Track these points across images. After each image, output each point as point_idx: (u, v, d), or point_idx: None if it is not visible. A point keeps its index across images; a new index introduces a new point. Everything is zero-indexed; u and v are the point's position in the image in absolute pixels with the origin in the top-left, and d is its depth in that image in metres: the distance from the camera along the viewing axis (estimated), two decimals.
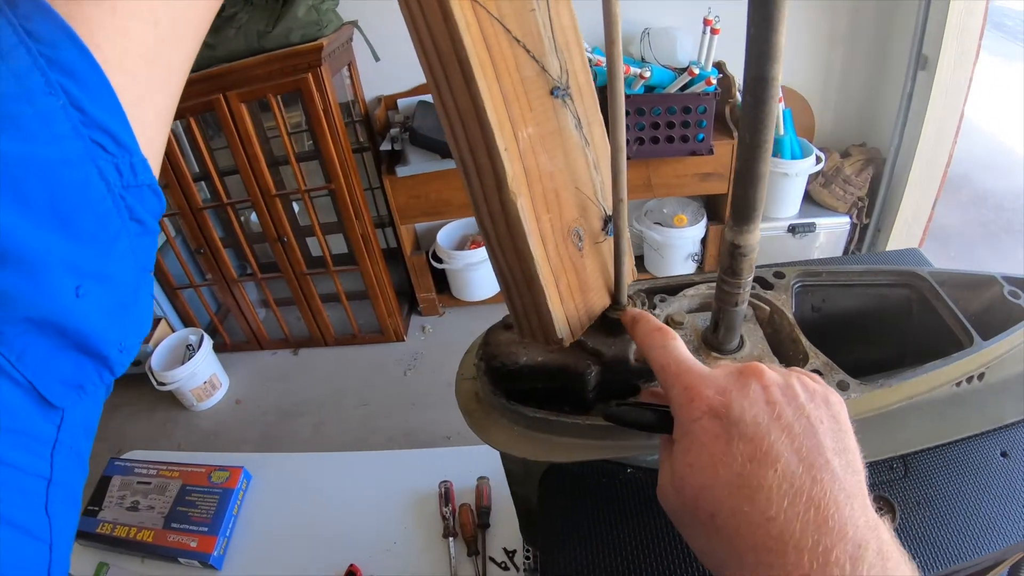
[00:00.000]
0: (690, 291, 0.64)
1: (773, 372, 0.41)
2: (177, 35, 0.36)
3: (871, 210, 2.65)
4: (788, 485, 0.35)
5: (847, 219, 2.63)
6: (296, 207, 2.84)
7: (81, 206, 0.31)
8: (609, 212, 0.50)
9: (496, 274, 0.48)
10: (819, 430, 0.37)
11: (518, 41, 0.40)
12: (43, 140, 0.30)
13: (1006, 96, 4.51)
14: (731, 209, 0.45)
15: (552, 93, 0.44)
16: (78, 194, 0.31)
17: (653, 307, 0.62)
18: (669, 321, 0.58)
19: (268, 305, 3.02)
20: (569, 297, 0.48)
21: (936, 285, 0.67)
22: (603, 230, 0.50)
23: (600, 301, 0.52)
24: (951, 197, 3.29)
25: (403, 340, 2.99)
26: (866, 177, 2.59)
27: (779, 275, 0.67)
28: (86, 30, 0.32)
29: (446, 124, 0.41)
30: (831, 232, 2.65)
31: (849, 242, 2.72)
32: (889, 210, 2.62)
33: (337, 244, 2.86)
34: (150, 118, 0.36)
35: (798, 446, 0.36)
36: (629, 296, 0.53)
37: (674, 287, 0.64)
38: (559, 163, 0.45)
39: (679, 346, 0.44)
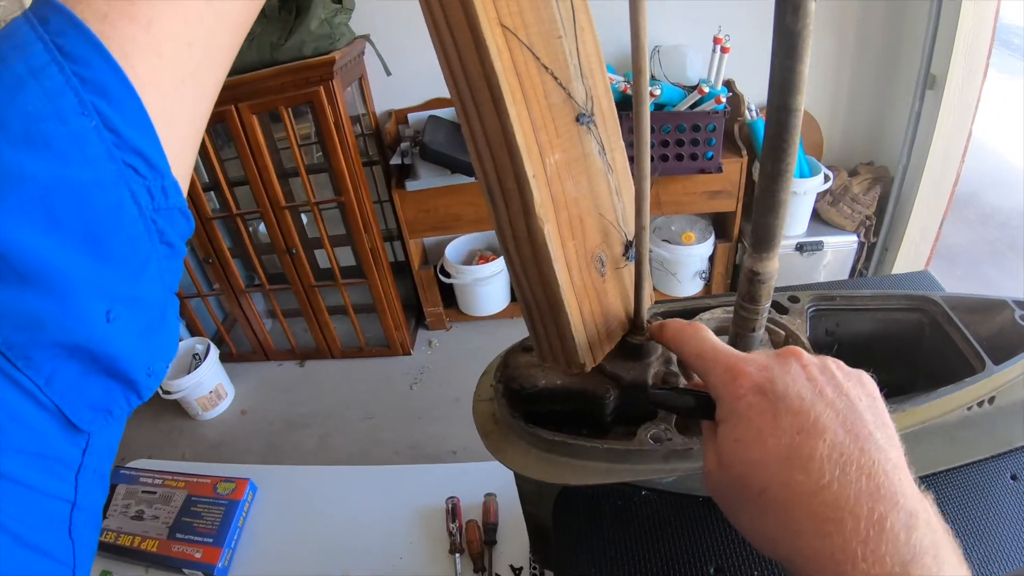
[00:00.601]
0: (705, 315, 0.64)
1: (809, 355, 0.41)
2: (209, 57, 0.36)
3: (879, 229, 2.65)
4: (838, 455, 0.35)
5: (855, 238, 2.63)
6: (305, 219, 2.85)
7: (113, 229, 0.31)
8: (630, 238, 0.51)
9: (519, 298, 0.48)
10: (859, 406, 0.38)
11: (546, 68, 0.41)
12: (76, 162, 0.29)
13: (1012, 113, 4.51)
14: (751, 236, 0.46)
15: (577, 120, 0.44)
16: (110, 217, 0.31)
17: None
18: None
19: (275, 316, 3.03)
20: (591, 322, 0.48)
21: (948, 310, 0.67)
22: (624, 255, 0.51)
23: (619, 326, 0.52)
24: (958, 215, 3.29)
25: (410, 354, 2.99)
26: (874, 196, 2.59)
27: (794, 299, 0.68)
28: (120, 49, 0.31)
29: (473, 149, 0.41)
30: (838, 251, 2.65)
31: (856, 261, 2.72)
32: (897, 229, 2.62)
33: (345, 257, 2.86)
34: (180, 140, 0.36)
35: (842, 419, 0.36)
36: (647, 320, 0.53)
37: (690, 311, 0.64)
38: (584, 189, 0.45)
39: (711, 334, 0.45)
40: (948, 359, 0.65)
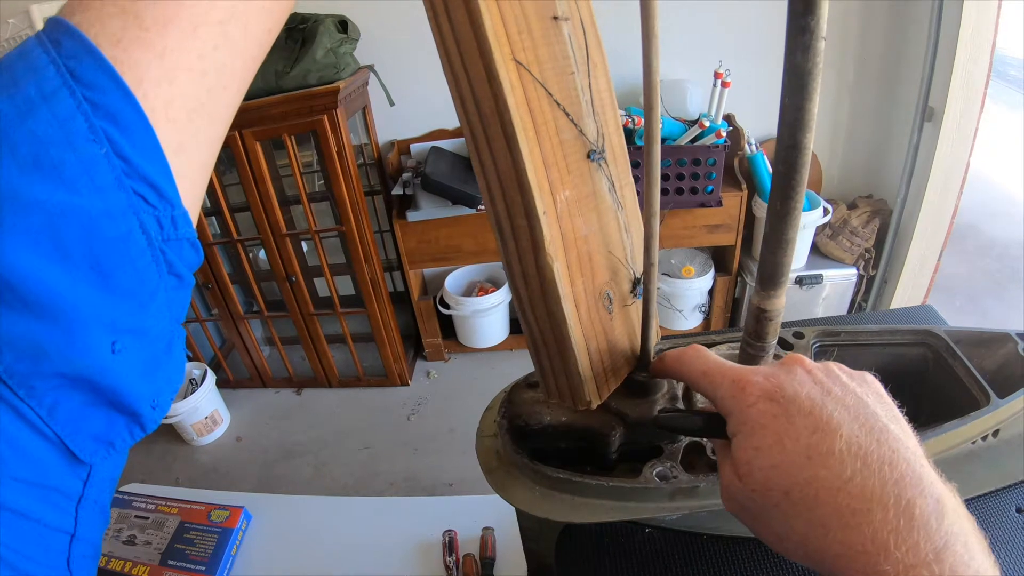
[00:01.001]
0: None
1: (811, 360, 0.41)
2: (222, 86, 0.36)
3: (878, 261, 2.65)
4: (857, 447, 0.34)
5: (854, 271, 2.63)
6: (305, 247, 2.85)
7: (121, 260, 0.31)
8: (638, 275, 0.51)
9: (525, 334, 0.47)
10: (868, 401, 0.37)
11: (558, 104, 0.41)
12: (85, 190, 0.29)
13: (1010, 144, 4.55)
14: (758, 274, 0.46)
15: (588, 156, 0.44)
16: (118, 247, 0.30)
17: None
18: None
19: (273, 343, 3.01)
20: (599, 360, 0.47)
21: (952, 343, 0.67)
22: (632, 293, 0.50)
23: (626, 363, 0.52)
24: (956, 247, 3.29)
25: (407, 384, 2.97)
26: (873, 228, 2.59)
27: (799, 335, 0.67)
28: (133, 76, 0.31)
29: (483, 184, 0.41)
30: (837, 284, 2.65)
31: (856, 294, 2.72)
32: (896, 261, 2.62)
33: (345, 286, 2.86)
34: (191, 169, 0.35)
35: (854, 415, 0.36)
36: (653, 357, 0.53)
37: None
38: (593, 226, 0.45)
39: (712, 353, 0.45)
40: (952, 393, 0.65)
